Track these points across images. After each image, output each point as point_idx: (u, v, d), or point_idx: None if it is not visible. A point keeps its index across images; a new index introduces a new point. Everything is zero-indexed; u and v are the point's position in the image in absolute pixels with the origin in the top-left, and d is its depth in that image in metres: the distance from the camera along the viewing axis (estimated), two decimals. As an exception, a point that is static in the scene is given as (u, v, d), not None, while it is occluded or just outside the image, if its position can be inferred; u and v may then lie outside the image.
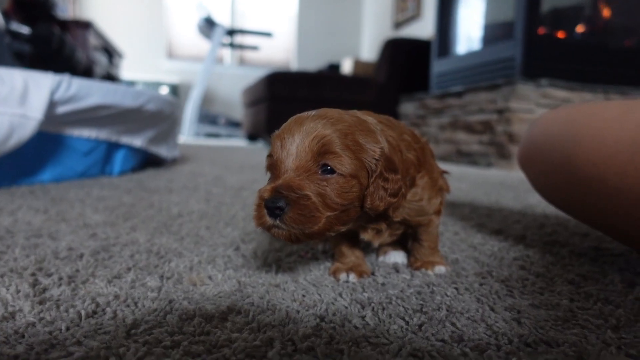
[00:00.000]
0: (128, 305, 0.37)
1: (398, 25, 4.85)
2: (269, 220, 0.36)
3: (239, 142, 4.57)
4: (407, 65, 3.16)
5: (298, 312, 0.37)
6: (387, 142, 0.40)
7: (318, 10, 5.67)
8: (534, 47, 1.88)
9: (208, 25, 4.58)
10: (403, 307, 0.39)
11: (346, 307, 0.39)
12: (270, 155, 0.40)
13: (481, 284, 0.45)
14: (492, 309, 0.39)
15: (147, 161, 1.51)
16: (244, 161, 1.96)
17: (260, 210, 0.37)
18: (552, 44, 1.94)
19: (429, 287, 0.44)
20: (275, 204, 0.35)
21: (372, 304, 0.39)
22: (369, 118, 0.41)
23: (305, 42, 5.68)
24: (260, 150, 3.02)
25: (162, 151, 1.45)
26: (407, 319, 0.36)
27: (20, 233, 0.60)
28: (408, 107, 2.72)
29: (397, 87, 3.15)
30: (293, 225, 0.36)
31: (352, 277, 0.46)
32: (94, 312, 0.36)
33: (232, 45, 4.96)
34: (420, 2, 4.39)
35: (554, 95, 1.85)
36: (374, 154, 0.38)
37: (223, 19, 5.34)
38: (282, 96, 3.11)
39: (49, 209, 0.77)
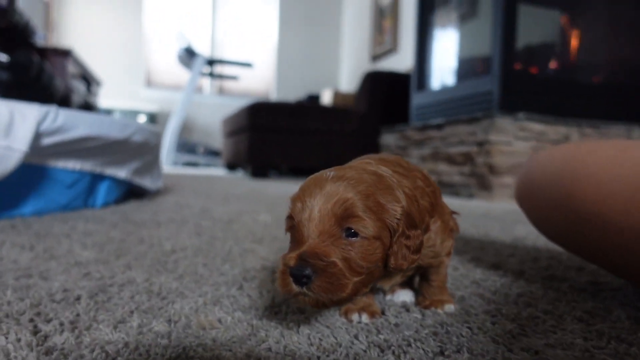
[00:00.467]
0: (140, 354, 0.36)
1: (375, 58, 4.98)
2: (295, 288, 0.36)
3: (218, 171, 4.54)
4: (386, 97, 3.23)
5: (319, 358, 0.36)
6: (405, 194, 0.39)
7: (297, 41, 5.79)
8: (511, 82, 1.95)
9: (188, 55, 4.60)
10: (423, 349, 0.38)
11: (365, 351, 0.38)
12: (290, 217, 0.39)
13: (493, 323, 0.45)
14: (510, 350, 0.39)
15: (130, 192, 1.47)
16: (227, 191, 1.94)
17: (285, 277, 0.36)
18: (527, 79, 2.03)
19: (442, 327, 0.44)
20: (302, 272, 0.35)
21: (392, 347, 0.38)
22: (385, 170, 0.41)
23: (285, 72, 5.76)
24: (241, 179, 3.00)
25: (146, 182, 1.43)
26: (430, 363, 0.36)
27: (8, 273, 0.57)
28: (389, 138, 2.77)
29: (378, 118, 3.21)
30: (321, 294, 0.35)
31: (365, 318, 0.45)
32: (105, 363, 0.34)
33: (211, 75, 4.99)
34: (397, 36, 4.54)
35: (530, 129, 1.92)
36: (395, 214, 0.38)
37: (203, 49, 5.38)
38: (264, 126, 3.12)
39: (35, 245, 0.74)
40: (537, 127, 1.92)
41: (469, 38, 2.37)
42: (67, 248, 0.73)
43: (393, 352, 0.37)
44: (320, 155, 3.22)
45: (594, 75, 2.18)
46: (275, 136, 3.14)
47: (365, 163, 0.42)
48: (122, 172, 1.25)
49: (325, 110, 3.25)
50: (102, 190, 1.23)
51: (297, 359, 0.36)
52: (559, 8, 2.17)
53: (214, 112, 5.50)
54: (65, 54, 2.97)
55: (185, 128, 5.31)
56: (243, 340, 0.39)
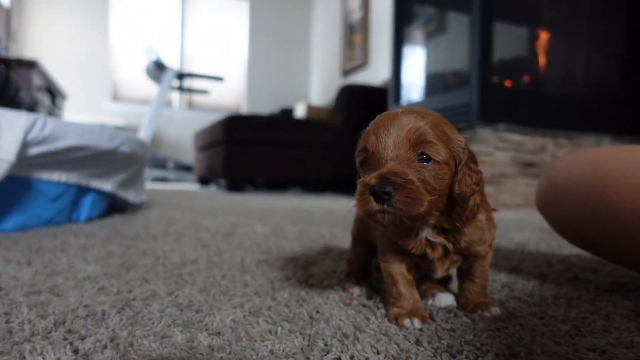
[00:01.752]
0: (205, 370, 0.33)
1: (346, 72, 5.04)
2: (375, 205, 0.38)
3: (190, 186, 4.43)
4: (362, 110, 3.26)
5: (395, 365, 0.34)
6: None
7: (268, 56, 5.79)
8: (489, 95, 2.01)
9: (157, 68, 4.50)
10: (495, 353, 0.37)
11: (434, 357, 0.36)
12: (363, 150, 0.42)
13: (546, 325, 0.44)
14: (577, 350, 0.38)
15: (111, 206, 1.41)
16: (209, 205, 1.88)
17: (365, 197, 0.39)
18: (503, 92, 2.09)
19: (499, 330, 0.43)
20: (384, 189, 0.38)
21: (464, 352, 0.37)
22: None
23: (256, 86, 5.74)
24: (217, 194, 2.93)
25: (130, 196, 1.37)
26: (508, 366, 0.34)
27: (14, 289, 0.52)
28: (367, 150, 2.78)
29: (354, 131, 3.23)
30: (401, 208, 0.38)
31: (417, 323, 0.44)
32: (168, 380, 0.31)
33: (181, 89, 4.89)
34: (367, 51, 4.61)
35: (509, 139, 1.97)
36: (460, 144, 0.42)
37: (172, 62, 5.30)
38: (240, 139, 3.08)
39: (31, 261, 0.68)
40: (515, 137, 1.98)
41: (445, 52, 2.43)
42: (67, 263, 0.68)
43: (467, 357, 0.36)
44: (297, 168, 3.20)
45: (566, 89, 2.27)
46: (251, 149, 3.10)
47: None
48: (107, 185, 1.19)
49: (301, 123, 3.24)
50: (87, 204, 1.17)
51: (373, 367, 0.34)
52: (531, 25, 2.26)
53: (183, 126, 5.40)
54: (31, 65, 2.85)
55: (154, 143, 5.18)
56: (304, 352, 0.37)
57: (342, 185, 3.48)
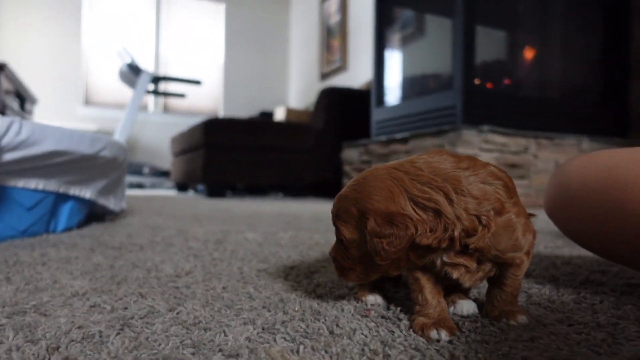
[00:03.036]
0: (232, 401, 0.29)
1: (325, 76, 5.03)
2: None
3: (168, 192, 4.33)
4: (344, 113, 3.24)
5: (440, 386, 0.31)
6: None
7: (245, 59, 5.73)
8: (473, 97, 2.02)
9: (132, 72, 4.38)
10: (540, 368, 0.34)
11: (477, 374, 0.33)
12: None
13: (578, 333, 0.42)
14: (621, 361, 0.36)
15: (90, 215, 1.34)
16: (192, 212, 1.82)
17: None
18: (487, 93, 2.10)
19: (532, 340, 0.40)
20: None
21: (507, 368, 0.34)
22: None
23: (233, 90, 5.67)
24: (197, 200, 2.86)
25: (111, 203, 1.30)
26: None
27: (-5, 310, 0.47)
28: (352, 153, 2.76)
29: (336, 134, 3.21)
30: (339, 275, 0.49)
31: (444, 335, 0.41)
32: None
33: (156, 93, 4.77)
34: (346, 55, 4.61)
35: (493, 141, 1.98)
36: (369, 223, 0.42)
37: (147, 66, 5.18)
38: (220, 143, 3.02)
39: (10, 277, 0.62)
40: (499, 139, 1.99)
41: (426, 55, 2.44)
42: (50, 278, 0.62)
43: (513, 373, 0.33)
44: (278, 172, 3.16)
45: (546, 91, 2.31)
46: (231, 153, 3.05)
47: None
48: (87, 192, 1.13)
49: (282, 126, 3.20)
50: (65, 213, 1.10)
51: (417, 390, 0.30)
52: (512, 29, 2.29)
53: (159, 131, 5.28)
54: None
55: (129, 148, 5.05)
56: (335, 373, 0.33)
57: (323, 189, 3.45)
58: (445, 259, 0.42)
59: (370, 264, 0.44)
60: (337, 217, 0.45)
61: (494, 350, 0.38)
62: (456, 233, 0.40)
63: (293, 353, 0.37)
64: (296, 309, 0.49)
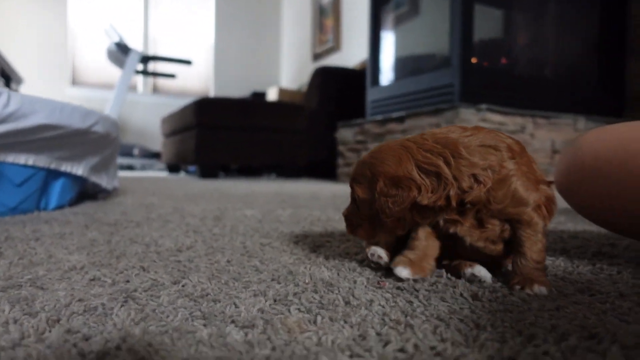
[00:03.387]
0: (253, 371, 0.27)
1: (317, 56, 4.96)
2: None
3: (159, 173, 4.27)
4: (338, 92, 3.20)
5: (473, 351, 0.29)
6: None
7: (236, 39, 5.63)
8: (470, 75, 1.99)
9: (120, 51, 4.28)
10: (576, 337, 0.32)
11: (510, 343, 0.31)
12: None
13: (602, 302, 0.41)
14: (653, 329, 0.34)
15: (81, 193, 1.30)
16: (186, 191, 1.79)
17: None
18: (485, 72, 2.08)
19: (559, 310, 0.38)
20: None
21: (540, 336, 0.32)
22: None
23: (224, 71, 5.58)
24: (190, 180, 2.82)
25: (103, 181, 1.27)
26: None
27: (-12, 284, 0.44)
28: (346, 133, 2.73)
29: (329, 114, 3.18)
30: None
31: (407, 274, 0.46)
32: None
33: (146, 73, 4.67)
34: (339, 35, 4.54)
35: (491, 119, 1.96)
36: (379, 184, 0.47)
37: (135, 46, 5.05)
38: (212, 123, 2.97)
39: (2, 251, 0.60)
40: (497, 117, 1.97)
41: (423, 33, 2.40)
42: (45, 253, 0.60)
43: (546, 342, 0.31)
44: (271, 153, 3.12)
45: (544, 71, 2.29)
46: (224, 134, 3.00)
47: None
48: (79, 169, 1.09)
49: (276, 106, 3.15)
50: (56, 190, 1.07)
51: (448, 358, 0.29)
52: (510, 7, 2.25)
53: (149, 112, 5.19)
54: (-18, 44, 2.62)
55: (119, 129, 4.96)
56: (358, 342, 0.31)
57: (318, 170, 3.42)
58: (445, 216, 0.46)
59: (377, 221, 0.48)
60: (354, 179, 0.49)
61: (520, 319, 0.36)
62: (452, 192, 0.44)
63: (310, 323, 0.35)
64: (307, 281, 0.47)
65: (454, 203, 0.44)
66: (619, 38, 2.41)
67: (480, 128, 0.47)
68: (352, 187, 0.49)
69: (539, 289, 0.44)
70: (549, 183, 0.47)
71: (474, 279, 0.47)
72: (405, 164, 0.45)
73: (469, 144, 0.44)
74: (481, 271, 0.47)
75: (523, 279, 0.44)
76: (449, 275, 0.49)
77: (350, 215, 0.51)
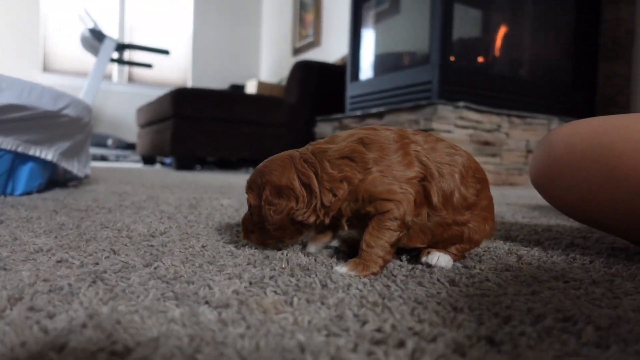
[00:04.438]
0: (222, 344, 0.26)
1: (297, 50, 4.93)
2: None
3: (134, 165, 4.18)
4: (317, 87, 3.19)
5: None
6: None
7: (215, 31, 5.55)
8: (448, 73, 2.01)
9: (94, 38, 4.15)
10: (552, 318, 0.33)
11: (487, 324, 0.31)
12: None
13: (576, 289, 0.41)
14: (625, 312, 0.35)
15: (51, 180, 1.26)
16: (161, 181, 1.75)
17: None
18: (463, 70, 2.10)
19: (534, 295, 0.39)
20: None
21: (517, 317, 0.32)
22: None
23: (202, 62, 5.49)
24: (165, 172, 2.77)
25: (74, 167, 1.23)
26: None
27: (-54, 264, 0.42)
28: (325, 128, 2.73)
29: (309, 108, 3.16)
30: None
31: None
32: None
33: (121, 62, 4.54)
34: (319, 30, 4.53)
35: (468, 117, 1.99)
36: (264, 191, 0.50)
37: (111, 34, 4.92)
38: (189, 114, 2.92)
39: (-37, 234, 0.57)
40: (474, 115, 2.00)
41: (403, 30, 2.41)
42: (10, 235, 0.57)
43: (523, 322, 0.31)
44: (250, 146, 3.09)
45: (520, 71, 2.33)
46: (202, 126, 2.95)
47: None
48: (49, 154, 1.06)
49: (255, 99, 3.12)
50: (24, 175, 1.03)
51: (425, 337, 0.28)
52: (488, 7, 2.28)
53: (124, 102, 5.07)
54: (-53, 24, 2.51)
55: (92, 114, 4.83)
56: (335, 322, 0.31)
57: (296, 164, 3.40)
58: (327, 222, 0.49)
59: (265, 228, 0.49)
60: (248, 186, 0.51)
61: (496, 302, 0.36)
62: (318, 205, 0.47)
63: (287, 305, 0.34)
64: (283, 266, 0.46)
65: (321, 216, 0.47)
66: (591, 41, 2.47)
67: (339, 134, 0.49)
68: (247, 194, 0.51)
69: (346, 269, 0.44)
70: (414, 179, 0.46)
71: (429, 266, 0.48)
72: (288, 174, 0.47)
73: (331, 156, 0.47)
74: (434, 259, 0.48)
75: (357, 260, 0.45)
76: (423, 261, 0.49)
77: (245, 221, 0.52)
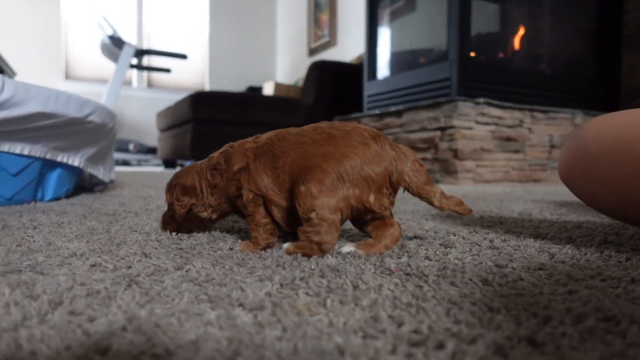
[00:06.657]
0: (260, 346, 0.26)
1: (313, 51, 4.94)
2: None
3: (155, 168, 4.24)
4: (334, 87, 3.19)
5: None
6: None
7: (231, 34, 5.59)
8: (467, 69, 1.98)
9: (114, 44, 4.23)
10: (594, 317, 0.32)
11: (525, 324, 0.31)
12: None
13: (614, 287, 0.40)
14: (669, 311, 0.34)
15: (77, 186, 1.29)
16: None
17: None
18: (483, 66, 2.07)
19: (572, 294, 0.38)
20: None
21: (556, 317, 0.32)
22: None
23: (219, 65, 5.55)
24: (186, 175, 2.79)
25: (100, 172, 1.25)
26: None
27: (-14, 269, 0.43)
28: (342, 128, 2.72)
29: (326, 108, 3.16)
30: None
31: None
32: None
33: (140, 67, 4.61)
34: (335, 29, 4.52)
35: (489, 113, 1.96)
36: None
37: (129, 40, 5.01)
38: (208, 118, 2.95)
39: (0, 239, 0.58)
40: (495, 111, 1.97)
41: (420, 27, 2.39)
42: (44, 240, 0.58)
43: (563, 323, 0.31)
44: (268, 147, 3.10)
45: (541, 65, 2.29)
46: (220, 128, 2.98)
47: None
48: (76, 160, 1.08)
49: (272, 101, 3.13)
50: (53, 181, 1.05)
51: (464, 339, 0.28)
52: (507, 1, 2.25)
53: (144, 107, 5.15)
54: (-26, 36, 2.59)
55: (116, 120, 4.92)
56: (370, 324, 0.30)
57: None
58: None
59: (177, 221, 0.63)
60: (167, 188, 0.63)
61: (533, 302, 0.36)
62: (207, 204, 0.61)
63: (320, 306, 0.34)
64: (312, 267, 0.46)
65: (209, 213, 0.61)
66: (614, 33, 2.41)
67: (228, 146, 0.64)
68: (165, 194, 0.64)
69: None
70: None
71: (341, 254, 0.52)
72: (192, 176, 0.61)
73: (230, 153, 0.60)
74: (343, 247, 0.53)
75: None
76: (455, 260, 0.48)
77: (164, 215, 0.65)
